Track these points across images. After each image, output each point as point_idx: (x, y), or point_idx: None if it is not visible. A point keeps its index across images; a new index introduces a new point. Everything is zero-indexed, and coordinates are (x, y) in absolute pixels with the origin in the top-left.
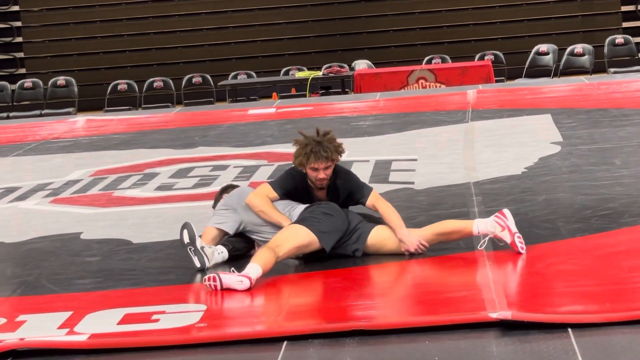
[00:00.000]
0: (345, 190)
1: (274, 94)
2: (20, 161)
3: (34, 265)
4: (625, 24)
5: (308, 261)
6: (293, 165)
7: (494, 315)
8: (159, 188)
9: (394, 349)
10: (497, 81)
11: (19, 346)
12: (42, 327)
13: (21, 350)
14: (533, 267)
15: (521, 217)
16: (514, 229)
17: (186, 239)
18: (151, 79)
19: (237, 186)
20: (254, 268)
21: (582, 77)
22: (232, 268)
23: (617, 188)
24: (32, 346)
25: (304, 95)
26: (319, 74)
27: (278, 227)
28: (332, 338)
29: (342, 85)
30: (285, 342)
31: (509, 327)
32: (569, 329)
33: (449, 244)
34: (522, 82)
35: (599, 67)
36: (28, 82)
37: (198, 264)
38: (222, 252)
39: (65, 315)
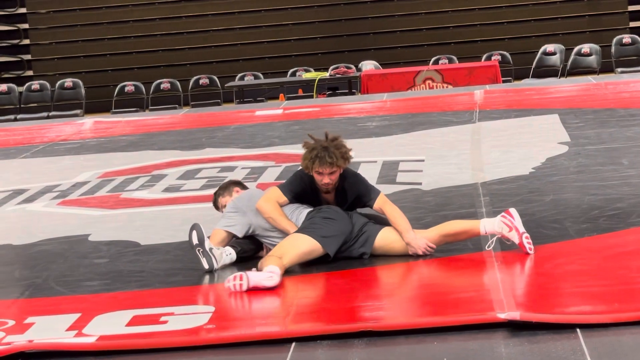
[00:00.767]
0: (353, 192)
1: (281, 95)
2: (28, 163)
3: (42, 268)
4: (632, 24)
5: (315, 263)
6: (301, 168)
7: (502, 315)
8: (167, 189)
9: (402, 350)
10: (504, 81)
11: (28, 348)
12: (50, 329)
13: (30, 352)
14: (541, 267)
15: (529, 218)
16: (522, 229)
17: (195, 240)
18: (158, 81)
19: (233, 183)
20: (275, 268)
21: (589, 77)
22: (254, 268)
23: (625, 188)
24: (40, 348)
25: (311, 96)
26: (326, 74)
27: (287, 233)
28: (340, 339)
29: (349, 86)
30: (293, 344)
31: (517, 327)
32: (578, 330)
33: (456, 244)
34: (529, 82)
35: (606, 67)
36: (35, 84)
37: (206, 266)
38: (230, 253)
39: (73, 317)
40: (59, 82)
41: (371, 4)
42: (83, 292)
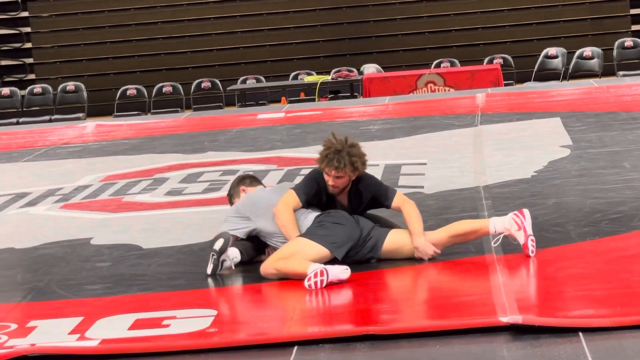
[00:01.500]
0: (368, 193)
1: (283, 98)
2: (30, 167)
3: (44, 271)
4: (634, 27)
5: None
6: (316, 167)
7: (505, 319)
8: (169, 193)
9: (404, 354)
10: (506, 85)
11: (30, 352)
12: (53, 333)
13: (32, 356)
14: (543, 271)
15: (531, 221)
16: (529, 230)
17: (217, 247)
18: (160, 84)
19: (241, 181)
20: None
21: (591, 80)
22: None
23: (627, 191)
24: (43, 352)
25: (313, 100)
26: (328, 78)
27: None
28: (343, 343)
29: (351, 89)
30: (295, 347)
31: (519, 331)
32: (580, 333)
33: (458, 247)
34: (531, 86)
35: (608, 70)
36: (37, 88)
37: (209, 272)
38: (235, 257)
39: (76, 320)
40: (61, 86)
41: (373, 8)
42: (85, 295)
